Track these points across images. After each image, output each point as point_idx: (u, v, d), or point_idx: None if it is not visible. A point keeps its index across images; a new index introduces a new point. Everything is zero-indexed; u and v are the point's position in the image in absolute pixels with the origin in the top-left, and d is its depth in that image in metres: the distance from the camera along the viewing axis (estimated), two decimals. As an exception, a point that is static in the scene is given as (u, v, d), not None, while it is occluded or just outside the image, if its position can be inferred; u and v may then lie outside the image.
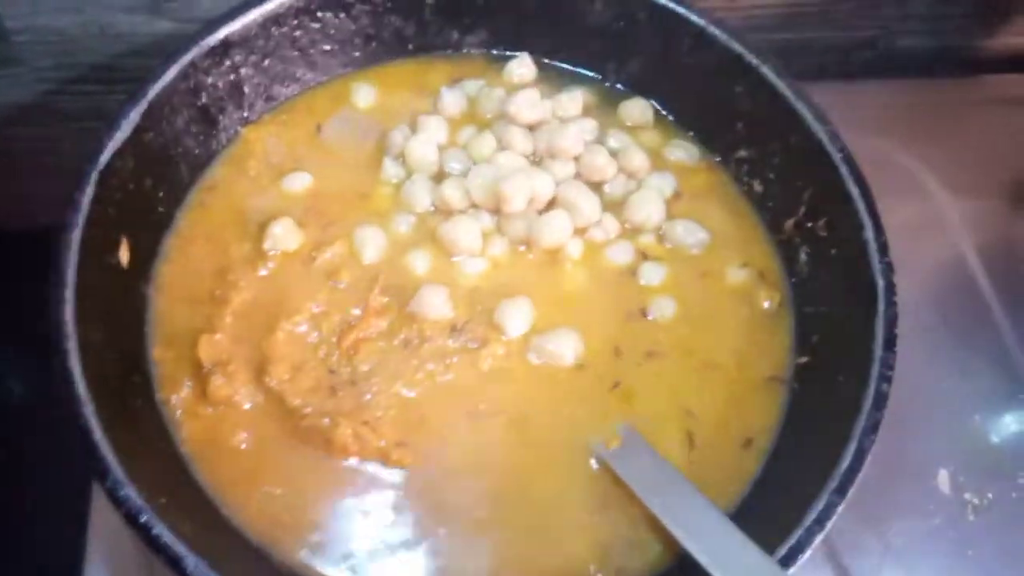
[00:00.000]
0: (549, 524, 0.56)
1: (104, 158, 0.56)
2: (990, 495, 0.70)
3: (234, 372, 0.57)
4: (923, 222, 0.84)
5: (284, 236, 0.62)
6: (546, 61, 0.73)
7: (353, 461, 0.56)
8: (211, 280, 0.61)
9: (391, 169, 0.67)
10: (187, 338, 0.58)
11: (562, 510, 0.56)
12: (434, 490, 0.56)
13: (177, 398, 0.57)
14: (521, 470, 0.57)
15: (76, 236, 0.54)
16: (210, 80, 0.64)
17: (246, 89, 0.67)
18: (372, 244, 0.63)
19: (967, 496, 0.69)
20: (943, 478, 0.70)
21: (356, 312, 0.60)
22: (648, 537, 0.56)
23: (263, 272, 0.61)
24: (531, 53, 0.73)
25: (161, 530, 0.47)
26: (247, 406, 0.57)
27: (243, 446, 0.56)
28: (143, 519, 0.47)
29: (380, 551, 0.54)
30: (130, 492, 0.48)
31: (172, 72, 0.61)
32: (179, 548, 0.47)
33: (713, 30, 0.67)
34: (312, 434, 0.56)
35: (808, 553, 0.50)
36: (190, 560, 0.46)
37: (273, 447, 0.56)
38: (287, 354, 0.58)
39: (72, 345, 0.51)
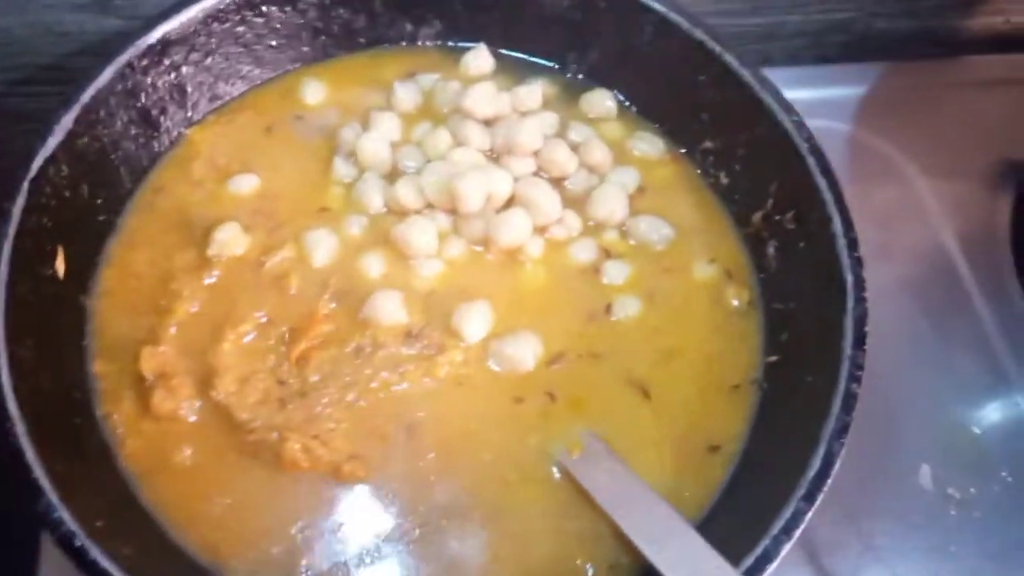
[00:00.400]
0: (516, 530, 0.54)
1: (35, 165, 0.54)
2: (972, 490, 0.68)
3: (178, 386, 0.55)
4: (901, 208, 0.82)
5: (230, 241, 0.60)
6: (504, 52, 0.71)
7: (304, 476, 0.54)
8: (154, 289, 0.59)
9: (342, 168, 0.64)
10: (129, 350, 0.56)
11: (529, 517, 0.55)
12: (389, 503, 0.54)
13: (118, 413, 0.55)
14: (483, 480, 0.55)
15: (7, 248, 0.52)
16: (149, 80, 0.62)
17: (189, 88, 0.64)
18: (323, 247, 0.61)
19: (949, 491, 0.68)
20: (925, 473, 0.68)
21: (306, 320, 0.58)
22: (612, 544, 0.54)
23: (208, 280, 0.59)
24: (488, 44, 0.70)
25: (97, 555, 0.45)
26: (192, 419, 0.55)
27: (188, 463, 0.54)
28: (78, 543, 0.45)
29: (343, 563, 0.52)
30: (64, 515, 0.46)
31: (107, 74, 0.58)
32: (116, 573, 0.45)
33: (674, 17, 0.64)
34: (261, 449, 0.54)
35: (775, 563, 0.49)
36: (126, 586, 0.44)
37: (220, 463, 0.54)
38: (234, 365, 0.56)
39: (2, 362, 0.49)
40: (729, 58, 0.63)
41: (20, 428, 0.47)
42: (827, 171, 0.59)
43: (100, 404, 0.55)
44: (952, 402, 0.72)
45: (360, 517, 0.54)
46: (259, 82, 0.68)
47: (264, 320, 0.58)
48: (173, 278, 0.59)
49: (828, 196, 0.58)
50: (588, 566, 0.53)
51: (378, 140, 0.64)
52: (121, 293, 0.59)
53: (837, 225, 0.57)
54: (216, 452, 0.54)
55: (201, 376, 0.56)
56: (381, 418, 0.56)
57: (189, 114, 0.65)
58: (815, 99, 0.64)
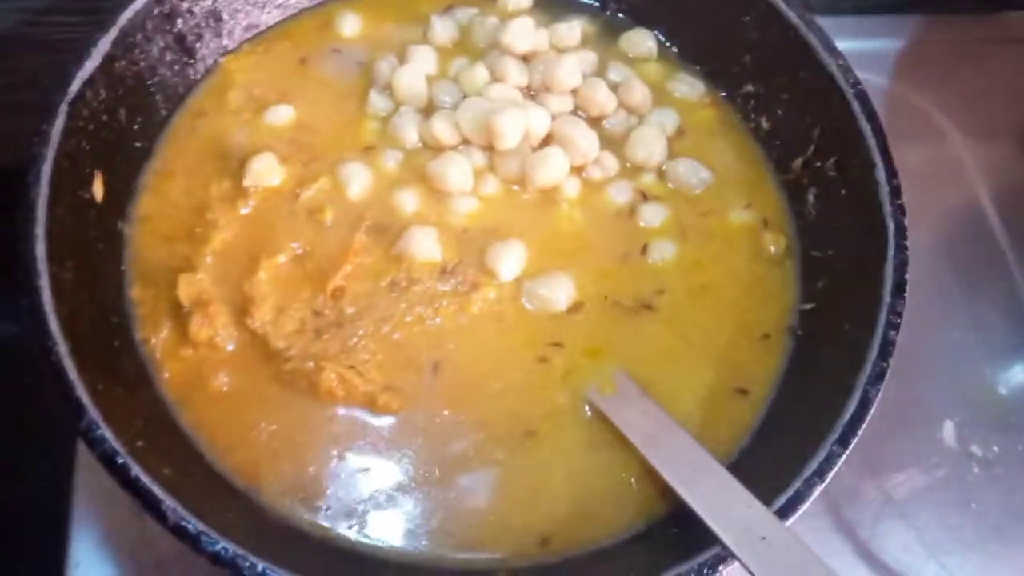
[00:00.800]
0: (544, 465, 0.54)
1: (73, 88, 0.54)
2: (996, 448, 0.68)
3: (215, 313, 0.55)
4: (936, 166, 0.81)
5: (265, 172, 0.59)
6: (543, -11, 0.70)
7: (340, 406, 0.54)
8: (190, 217, 0.58)
9: (378, 102, 0.64)
10: (166, 277, 0.56)
11: (556, 451, 0.55)
12: (424, 435, 0.54)
13: (156, 339, 0.55)
14: (515, 415, 0.55)
15: (46, 169, 0.52)
16: (185, 5, 0.61)
17: (224, 16, 0.64)
18: (357, 181, 0.60)
19: (972, 448, 0.68)
20: (948, 430, 0.69)
21: (341, 252, 0.58)
22: (643, 484, 0.54)
23: (244, 210, 0.59)
24: (528, -20, 0.69)
25: (139, 472, 0.45)
26: (229, 348, 0.55)
27: (225, 389, 0.54)
28: (119, 461, 0.45)
29: (369, 496, 0.53)
30: (106, 433, 0.46)
31: (144, -3, 0.57)
32: (157, 491, 0.45)
33: (720, -45, 0.63)
34: (297, 378, 0.54)
35: (807, 504, 0.49)
36: (169, 503, 0.45)
37: (256, 391, 0.54)
38: (269, 295, 0.56)
39: (44, 283, 0.49)
40: (776, -1, 0.62)
41: (63, 348, 0.47)
42: (872, 116, 0.58)
43: (138, 329, 0.55)
44: (980, 361, 0.72)
45: (393, 448, 0.54)
46: (295, 11, 0.67)
47: (300, 251, 0.58)
48: (209, 207, 0.58)
49: (872, 142, 0.57)
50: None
51: (414, 74, 0.63)
52: (158, 220, 0.58)
53: (880, 172, 0.56)
54: (253, 379, 0.54)
55: (238, 305, 0.56)
56: (415, 351, 0.56)
57: (225, 42, 0.65)
58: (853, 50, 0.62)
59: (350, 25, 0.67)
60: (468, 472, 0.54)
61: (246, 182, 0.59)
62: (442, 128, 0.61)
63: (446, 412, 0.55)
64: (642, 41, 0.68)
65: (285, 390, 0.54)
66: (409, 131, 0.62)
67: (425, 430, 0.55)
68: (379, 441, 0.54)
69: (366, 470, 0.53)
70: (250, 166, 0.59)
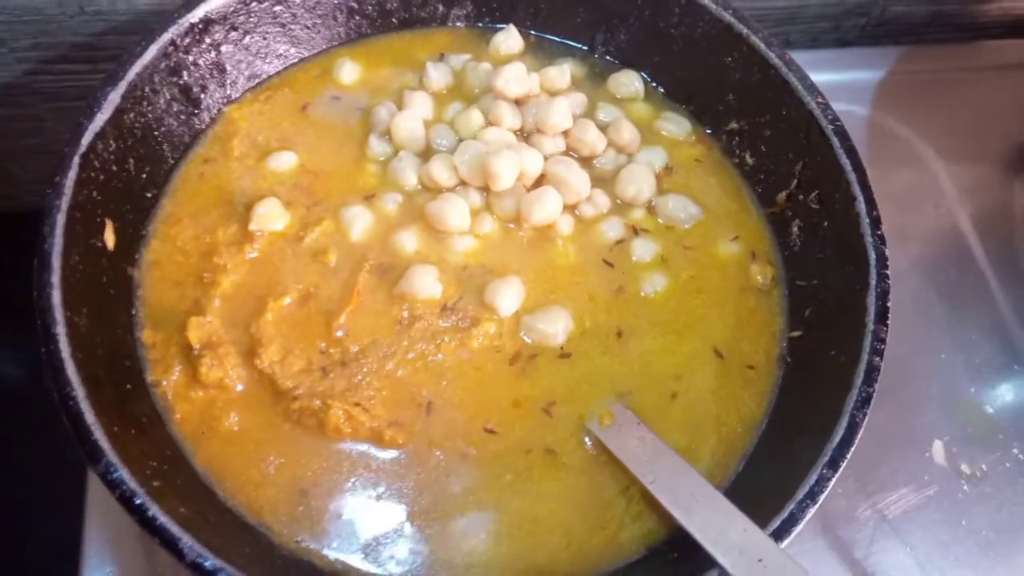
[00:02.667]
0: (544, 495, 0.56)
1: (85, 140, 0.56)
2: (984, 466, 0.70)
3: (224, 355, 0.57)
4: (918, 191, 0.83)
5: (270, 216, 0.62)
6: (533, 33, 0.72)
7: (347, 442, 0.56)
8: (199, 261, 0.60)
9: (377, 146, 0.66)
10: (176, 320, 0.58)
11: (555, 481, 0.56)
12: (427, 469, 0.56)
13: (168, 381, 0.57)
14: (516, 447, 0.57)
15: (60, 220, 0.53)
16: (191, 58, 0.63)
17: (228, 67, 0.66)
18: (359, 223, 0.62)
19: (962, 467, 0.70)
20: (938, 449, 0.70)
21: (345, 292, 0.60)
22: (642, 510, 0.56)
23: (251, 254, 0.61)
24: (518, 26, 0.72)
25: (156, 512, 0.47)
26: (239, 388, 0.57)
27: (236, 428, 0.56)
28: (137, 501, 0.47)
29: (377, 529, 0.54)
30: (123, 475, 0.47)
31: (152, 51, 0.60)
32: (175, 529, 0.47)
33: (702, -1, 0.66)
34: (304, 416, 0.56)
35: (800, 526, 0.51)
36: (186, 541, 0.46)
37: (266, 429, 0.56)
38: (276, 335, 0.58)
39: (61, 330, 0.50)
40: (756, 40, 0.64)
41: (79, 392, 0.49)
42: (852, 152, 0.60)
43: (150, 371, 0.57)
44: (966, 381, 0.74)
45: (399, 483, 0.56)
46: (295, 61, 0.70)
47: (305, 293, 0.60)
48: (216, 251, 0.60)
49: (853, 176, 0.60)
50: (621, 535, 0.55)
51: (412, 119, 0.66)
52: (167, 265, 0.60)
53: (861, 204, 0.59)
54: (262, 418, 0.56)
55: (246, 346, 0.57)
56: (418, 387, 0.58)
57: (228, 92, 0.67)
58: (834, 82, 0.65)
59: (348, 72, 0.69)
60: (470, 504, 0.55)
61: (252, 226, 0.61)
62: (440, 171, 0.63)
63: (448, 446, 0.57)
64: (629, 82, 0.71)
65: (294, 428, 0.56)
66: (408, 174, 0.64)
67: (428, 464, 0.56)
68: (385, 475, 0.56)
69: (373, 503, 0.55)
70: (255, 211, 0.61)
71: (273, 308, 0.58)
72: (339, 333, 0.58)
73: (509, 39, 0.71)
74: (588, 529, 0.55)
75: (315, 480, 0.55)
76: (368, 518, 0.55)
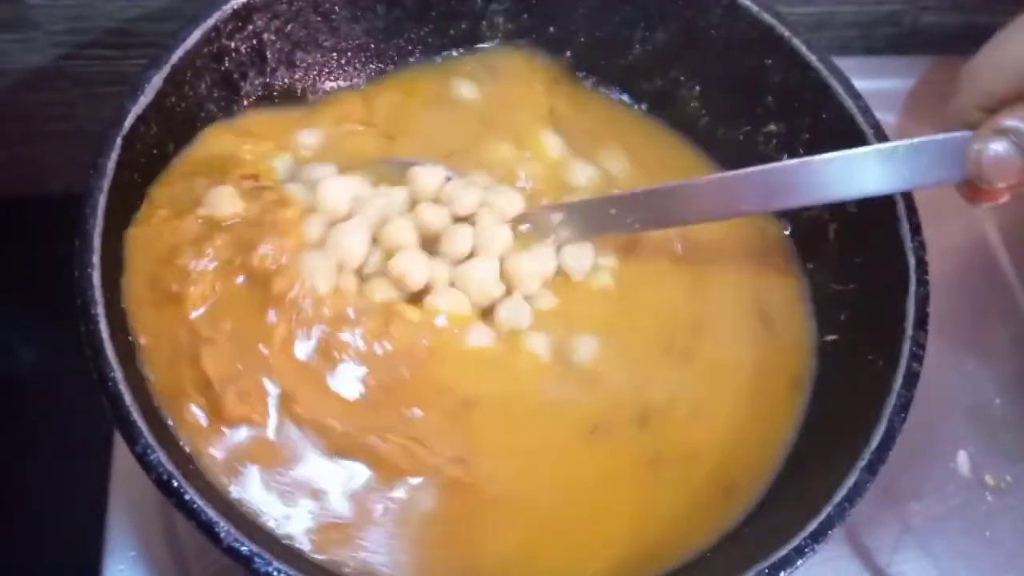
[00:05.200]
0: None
1: (128, 122, 0.56)
2: (1009, 478, 0.70)
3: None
4: (945, 202, 0.82)
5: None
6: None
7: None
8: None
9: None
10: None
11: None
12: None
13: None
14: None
15: (102, 200, 0.53)
16: (232, 45, 0.63)
17: (268, 55, 0.66)
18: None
19: (986, 478, 0.70)
20: (963, 460, 0.70)
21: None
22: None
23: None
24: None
25: (193, 495, 0.46)
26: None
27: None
28: (175, 484, 0.46)
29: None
30: (160, 457, 0.47)
31: (196, 36, 0.59)
32: (212, 513, 0.46)
33: (744, 1, 0.66)
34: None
35: (837, 529, 0.50)
36: (223, 525, 0.46)
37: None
38: None
39: (100, 311, 0.50)
40: (797, 43, 0.64)
41: (119, 374, 0.49)
42: (893, 156, 0.60)
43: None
44: (992, 393, 0.74)
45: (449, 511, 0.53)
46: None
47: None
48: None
49: (893, 180, 0.59)
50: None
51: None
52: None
53: (901, 208, 0.59)
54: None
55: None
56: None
57: (268, 80, 0.67)
58: (864, 90, 0.65)
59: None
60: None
61: None
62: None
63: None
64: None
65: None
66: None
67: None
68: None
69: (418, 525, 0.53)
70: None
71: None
72: None
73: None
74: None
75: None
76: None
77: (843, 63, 0.65)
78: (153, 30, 0.75)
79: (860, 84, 0.64)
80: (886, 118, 0.87)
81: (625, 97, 0.73)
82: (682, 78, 0.71)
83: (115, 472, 0.62)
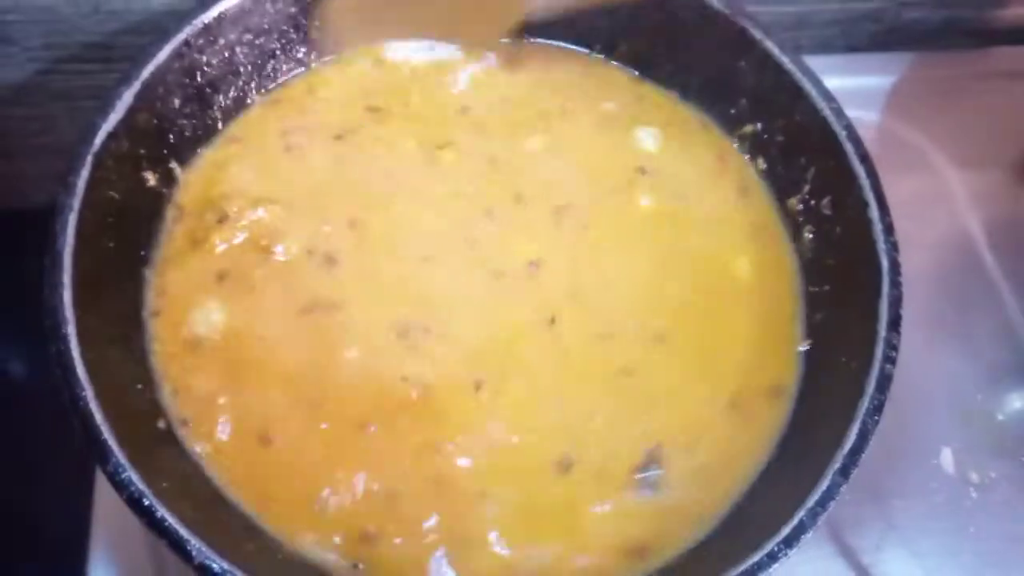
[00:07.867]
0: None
1: (98, 140, 0.56)
2: (992, 474, 0.69)
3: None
4: (928, 197, 0.83)
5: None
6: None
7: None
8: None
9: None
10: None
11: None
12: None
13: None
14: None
15: (72, 219, 0.53)
16: (204, 59, 0.63)
17: (241, 69, 0.66)
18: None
19: (970, 474, 0.69)
20: (946, 456, 0.70)
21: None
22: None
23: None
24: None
25: (164, 513, 0.47)
26: None
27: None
28: (146, 503, 0.47)
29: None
30: (132, 476, 0.47)
31: (166, 51, 0.59)
32: (183, 531, 0.46)
33: (715, 4, 0.65)
34: None
35: (810, 533, 0.50)
36: (194, 543, 0.46)
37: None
38: None
39: (71, 330, 0.50)
40: (770, 44, 0.64)
41: (89, 393, 0.49)
42: (865, 158, 0.60)
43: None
44: (975, 389, 0.73)
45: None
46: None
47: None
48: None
49: (866, 182, 0.59)
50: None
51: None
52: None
53: (874, 211, 0.59)
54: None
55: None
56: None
57: (241, 94, 0.67)
58: (845, 88, 0.65)
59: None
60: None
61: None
62: None
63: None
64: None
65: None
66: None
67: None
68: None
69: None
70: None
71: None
72: None
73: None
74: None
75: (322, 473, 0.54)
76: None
77: (825, 61, 0.65)
78: (134, 43, 0.75)
79: (842, 81, 0.64)
80: (869, 115, 0.87)
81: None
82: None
83: (99, 487, 0.62)
